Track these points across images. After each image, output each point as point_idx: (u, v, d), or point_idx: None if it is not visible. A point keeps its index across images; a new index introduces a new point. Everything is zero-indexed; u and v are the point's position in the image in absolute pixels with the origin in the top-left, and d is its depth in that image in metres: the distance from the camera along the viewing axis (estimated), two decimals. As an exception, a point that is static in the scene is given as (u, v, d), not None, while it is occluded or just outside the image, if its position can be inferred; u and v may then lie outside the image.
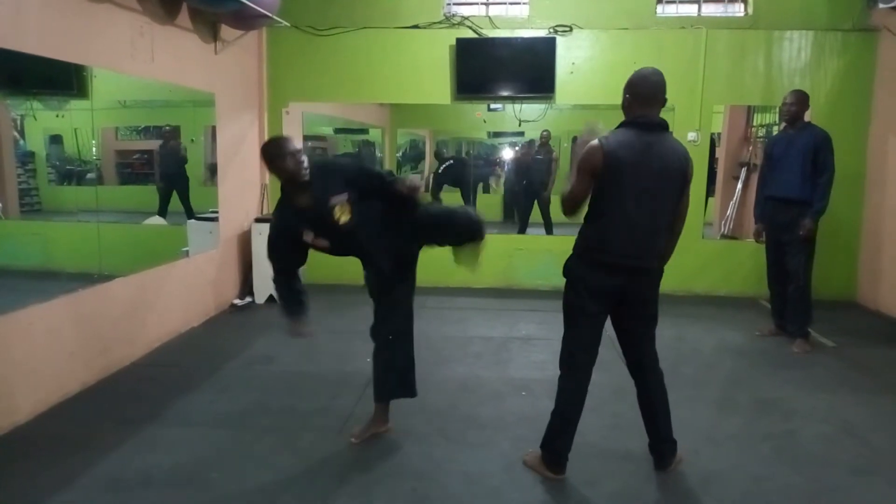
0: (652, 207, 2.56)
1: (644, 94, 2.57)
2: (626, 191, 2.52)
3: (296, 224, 2.80)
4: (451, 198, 8.57)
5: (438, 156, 9.04)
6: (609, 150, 2.50)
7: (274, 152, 2.76)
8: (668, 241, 2.70)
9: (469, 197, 8.40)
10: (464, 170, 8.70)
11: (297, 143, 2.83)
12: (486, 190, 10.52)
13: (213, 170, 5.36)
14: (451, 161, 8.78)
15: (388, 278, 3.01)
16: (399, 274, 3.03)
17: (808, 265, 4.52)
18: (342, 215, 2.79)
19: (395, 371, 3.10)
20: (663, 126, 2.59)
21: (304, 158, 2.76)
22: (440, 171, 8.64)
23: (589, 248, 2.63)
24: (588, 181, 2.55)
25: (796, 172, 4.42)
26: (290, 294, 2.94)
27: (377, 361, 3.10)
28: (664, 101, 2.61)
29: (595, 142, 2.54)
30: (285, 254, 2.89)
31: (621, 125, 2.62)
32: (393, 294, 3.06)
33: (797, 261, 4.48)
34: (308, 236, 2.81)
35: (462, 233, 3.15)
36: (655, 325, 2.81)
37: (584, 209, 2.62)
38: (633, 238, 2.56)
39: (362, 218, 2.84)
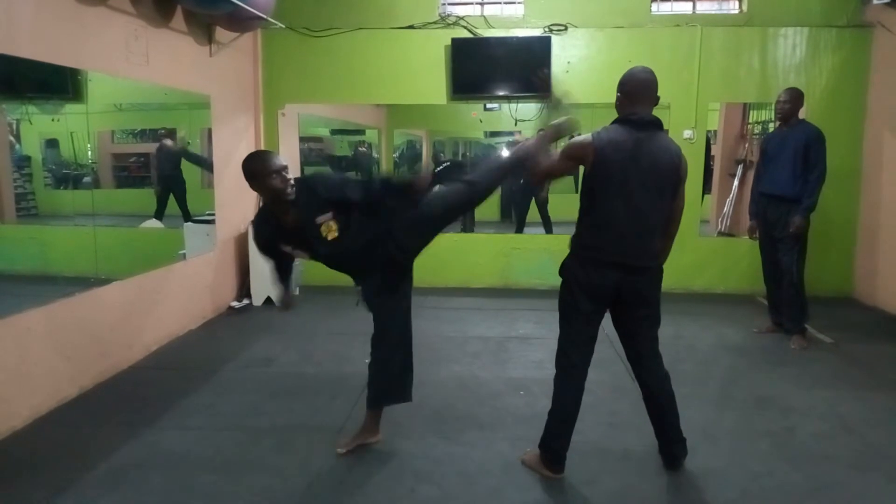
0: (642, 205, 2.54)
1: (633, 92, 2.58)
2: (616, 188, 2.52)
3: (275, 240, 2.81)
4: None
5: (436, 158, 9.04)
6: (599, 146, 2.50)
7: (259, 169, 2.61)
8: (663, 242, 2.68)
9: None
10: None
11: (282, 159, 2.68)
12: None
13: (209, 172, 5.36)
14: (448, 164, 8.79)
15: (377, 293, 2.96)
16: (392, 283, 2.95)
17: (801, 261, 4.53)
18: (329, 233, 2.73)
19: (388, 377, 3.00)
20: (656, 124, 2.59)
21: (290, 176, 2.64)
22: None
23: (581, 246, 2.63)
24: (568, 165, 2.62)
25: (789, 169, 4.44)
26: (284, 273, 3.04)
27: (372, 368, 3.02)
28: (656, 99, 2.61)
29: (588, 136, 2.55)
30: (276, 257, 2.95)
31: (614, 122, 2.62)
32: (388, 303, 2.97)
33: (789, 257, 4.50)
34: (287, 249, 2.84)
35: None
36: (657, 326, 2.75)
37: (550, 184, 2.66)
38: (623, 236, 2.55)
39: (352, 233, 2.76)
